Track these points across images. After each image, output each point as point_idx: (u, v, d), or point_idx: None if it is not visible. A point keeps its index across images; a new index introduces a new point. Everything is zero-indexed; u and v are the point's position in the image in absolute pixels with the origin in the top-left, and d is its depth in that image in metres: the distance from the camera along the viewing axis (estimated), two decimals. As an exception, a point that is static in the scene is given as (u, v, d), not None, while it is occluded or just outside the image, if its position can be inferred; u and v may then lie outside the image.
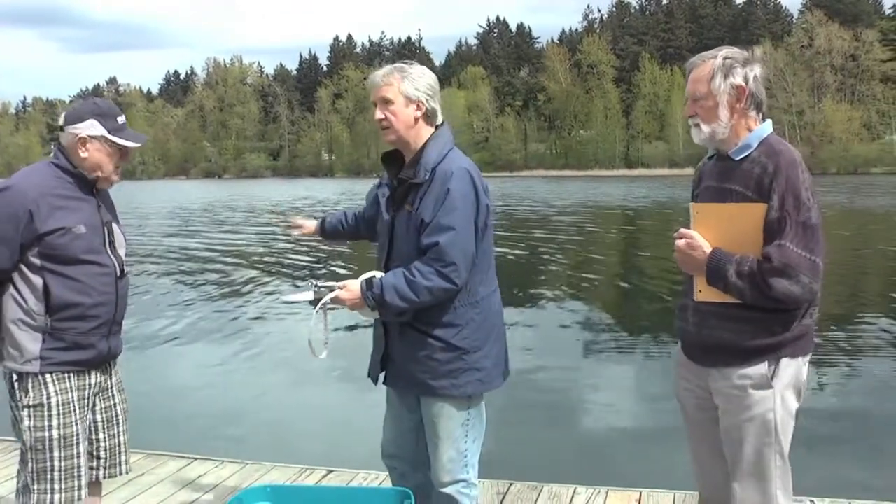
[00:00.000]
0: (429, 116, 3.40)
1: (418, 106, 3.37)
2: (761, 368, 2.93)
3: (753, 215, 2.86)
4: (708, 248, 2.93)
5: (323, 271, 19.42)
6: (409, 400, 3.56)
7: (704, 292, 2.98)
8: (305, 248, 23.74)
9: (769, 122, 3.03)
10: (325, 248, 22.69)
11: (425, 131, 3.41)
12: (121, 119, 3.40)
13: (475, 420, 3.50)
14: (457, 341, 3.35)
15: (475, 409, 3.49)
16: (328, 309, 3.41)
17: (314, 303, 3.40)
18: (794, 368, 2.96)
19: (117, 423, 3.59)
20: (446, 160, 3.34)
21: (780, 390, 2.94)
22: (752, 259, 2.83)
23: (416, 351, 3.38)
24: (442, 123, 3.46)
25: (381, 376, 3.57)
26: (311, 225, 4.11)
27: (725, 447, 3.06)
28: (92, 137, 3.32)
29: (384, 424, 3.72)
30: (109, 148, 3.36)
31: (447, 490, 3.49)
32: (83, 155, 3.33)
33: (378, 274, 3.34)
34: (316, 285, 3.41)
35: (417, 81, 3.36)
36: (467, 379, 3.39)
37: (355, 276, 3.36)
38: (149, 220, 38.79)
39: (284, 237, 27.65)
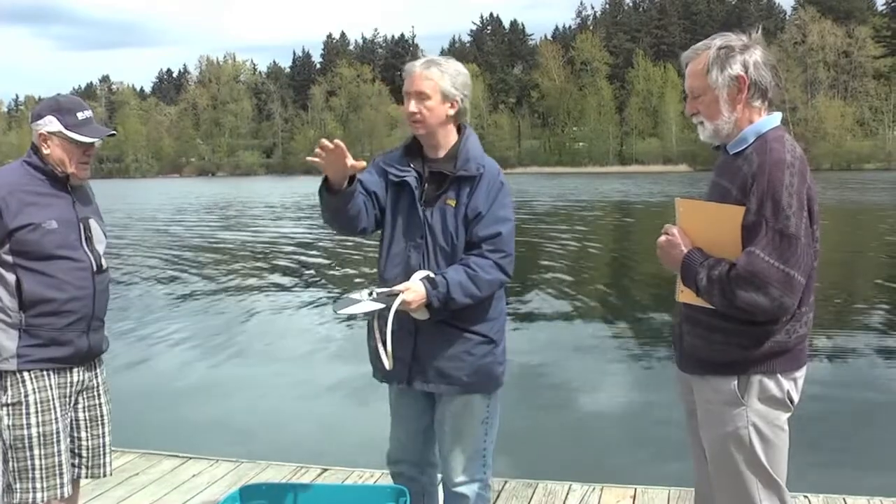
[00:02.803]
0: (460, 115, 3.37)
1: (453, 104, 3.32)
2: (731, 384, 2.77)
3: (733, 217, 2.66)
4: (686, 248, 2.79)
5: (337, 272, 19.39)
6: (421, 402, 3.49)
7: (685, 293, 2.84)
8: (312, 251, 23.69)
9: (776, 115, 2.80)
10: (331, 247, 22.68)
11: (454, 128, 3.39)
12: (81, 114, 3.37)
13: (493, 418, 3.47)
14: (492, 334, 3.37)
15: (493, 407, 3.46)
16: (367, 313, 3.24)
17: (370, 314, 3.23)
18: (772, 385, 2.75)
19: (101, 424, 3.57)
20: (485, 156, 3.37)
21: (755, 407, 2.75)
22: (725, 264, 2.66)
23: (451, 347, 3.31)
24: (466, 125, 3.44)
25: (407, 377, 3.41)
26: (360, 164, 3.20)
27: (708, 462, 2.94)
28: (51, 133, 3.33)
29: (391, 430, 3.61)
30: (67, 143, 3.35)
31: (462, 489, 3.43)
32: (45, 151, 3.34)
33: (429, 273, 3.26)
34: (373, 292, 3.22)
35: (456, 79, 3.31)
36: (496, 373, 3.40)
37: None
38: (145, 217, 38.73)
39: (292, 235, 27.63)
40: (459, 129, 3.43)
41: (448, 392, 3.38)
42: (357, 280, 17.01)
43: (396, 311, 3.16)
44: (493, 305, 3.36)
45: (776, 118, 2.81)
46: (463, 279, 3.18)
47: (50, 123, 3.33)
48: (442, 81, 3.28)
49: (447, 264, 3.28)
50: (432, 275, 3.23)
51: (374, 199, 3.42)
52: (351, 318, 3.29)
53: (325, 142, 3.10)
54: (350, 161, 3.12)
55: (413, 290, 3.17)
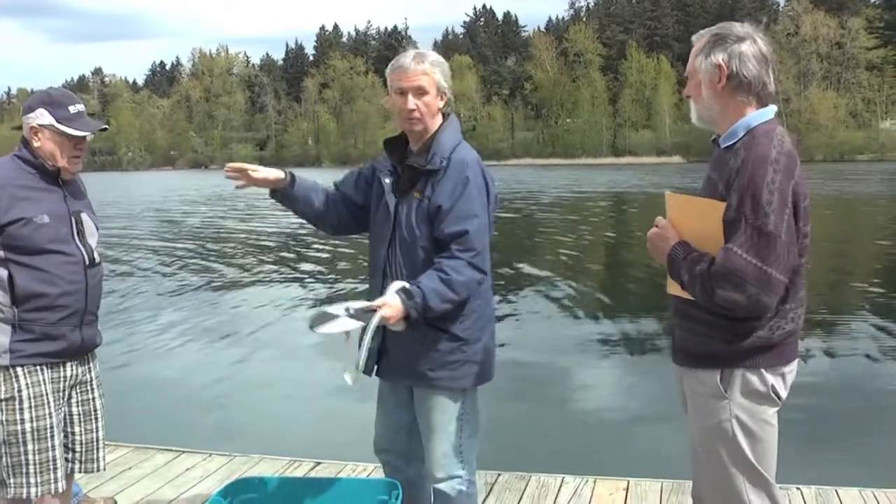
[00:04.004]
0: (447, 106, 3.38)
1: (443, 97, 3.33)
2: (714, 377, 2.76)
3: (718, 212, 2.65)
4: (673, 241, 2.79)
5: (336, 266, 19.35)
6: (401, 395, 3.50)
7: (673, 286, 2.83)
8: (314, 244, 23.67)
9: (769, 109, 2.77)
10: (332, 241, 22.64)
11: (439, 119, 3.37)
12: (73, 108, 3.37)
13: (471, 414, 3.43)
14: (459, 332, 3.31)
15: (470, 403, 3.43)
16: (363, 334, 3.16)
17: (351, 331, 3.15)
18: (755, 380, 2.73)
19: (95, 419, 3.57)
20: (459, 149, 3.30)
21: (737, 400, 2.74)
22: (707, 260, 2.65)
23: (416, 342, 3.30)
24: (449, 113, 3.42)
25: (375, 369, 3.49)
26: (271, 174, 3.49)
27: (696, 454, 2.93)
28: (42, 126, 3.32)
29: (376, 419, 3.66)
30: (59, 137, 3.34)
31: (441, 486, 3.42)
32: (36, 145, 3.34)
33: (405, 284, 3.20)
34: (349, 309, 3.15)
35: (446, 72, 3.33)
36: (466, 371, 3.34)
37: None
38: (141, 210, 38.63)
39: (293, 227, 27.58)
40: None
41: (418, 386, 3.40)
42: (360, 274, 17.00)
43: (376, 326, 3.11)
44: (468, 303, 3.30)
45: (769, 112, 2.78)
46: (437, 286, 3.14)
47: (41, 116, 3.32)
48: (436, 75, 3.29)
49: (408, 258, 3.29)
50: (407, 286, 3.18)
51: (348, 201, 3.57)
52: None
53: (228, 168, 3.44)
54: (257, 175, 3.42)
55: (390, 304, 3.13)
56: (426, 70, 3.27)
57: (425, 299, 3.13)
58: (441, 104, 3.33)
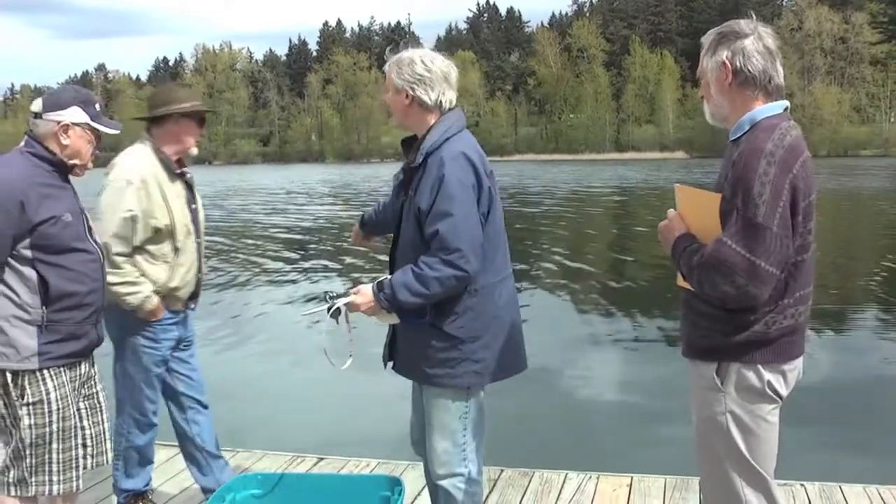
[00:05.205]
0: (421, 105, 3.33)
1: (406, 95, 3.32)
2: (711, 370, 2.77)
3: (717, 204, 2.66)
4: (678, 233, 2.82)
5: (349, 262, 19.34)
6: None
7: (680, 278, 2.84)
8: (324, 237, 23.64)
9: (778, 104, 2.79)
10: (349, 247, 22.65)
11: (427, 118, 3.36)
12: (98, 106, 3.41)
13: (474, 413, 3.42)
14: (451, 330, 3.28)
15: (474, 402, 3.41)
16: (347, 319, 3.38)
17: (330, 310, 3.35)
18: (751, 375, 2.72)
19: (100, 411, 3.57)
20: (444, 146, 3.26)
21: (732, 395, 2.74)
22: (703, 251, 2.67)
23: (415, 338, 3.34)
24: (451, 109, 3.39)
25: (391, 363, 3.55)
26: (355, 228, 4.04)
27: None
28: (75, 124, 3.31)
29: (411, 411, 3.70)
30: (90, 135, 3.36)
31: (442, 483, 3.42)
32: (64, 142, 3.30)
33: (385, 276, 3.31)
34: (330, 295, 3.38)
35: (402, 70, 3.31)
36: (464, 370, 3.32)
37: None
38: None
39: (296, 227, 27.55)
40: None
41: (421, 383, 3.44)
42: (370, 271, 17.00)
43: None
44: (460, 301, 3.27)
45: (777, 107, 2.78)
46: (408, 279, 3.20)
47: (76, 114, 3.31)
48: (391, 74, 3.35)
49: (403, 256, 3.36)
50: (383, 278, 3.30)
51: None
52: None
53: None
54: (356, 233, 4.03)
55: (362, 293, 3.31)
56: (387, 68, 3.39)
57: (394, 291, 3.22)
58: (406, 101, 3.34)
